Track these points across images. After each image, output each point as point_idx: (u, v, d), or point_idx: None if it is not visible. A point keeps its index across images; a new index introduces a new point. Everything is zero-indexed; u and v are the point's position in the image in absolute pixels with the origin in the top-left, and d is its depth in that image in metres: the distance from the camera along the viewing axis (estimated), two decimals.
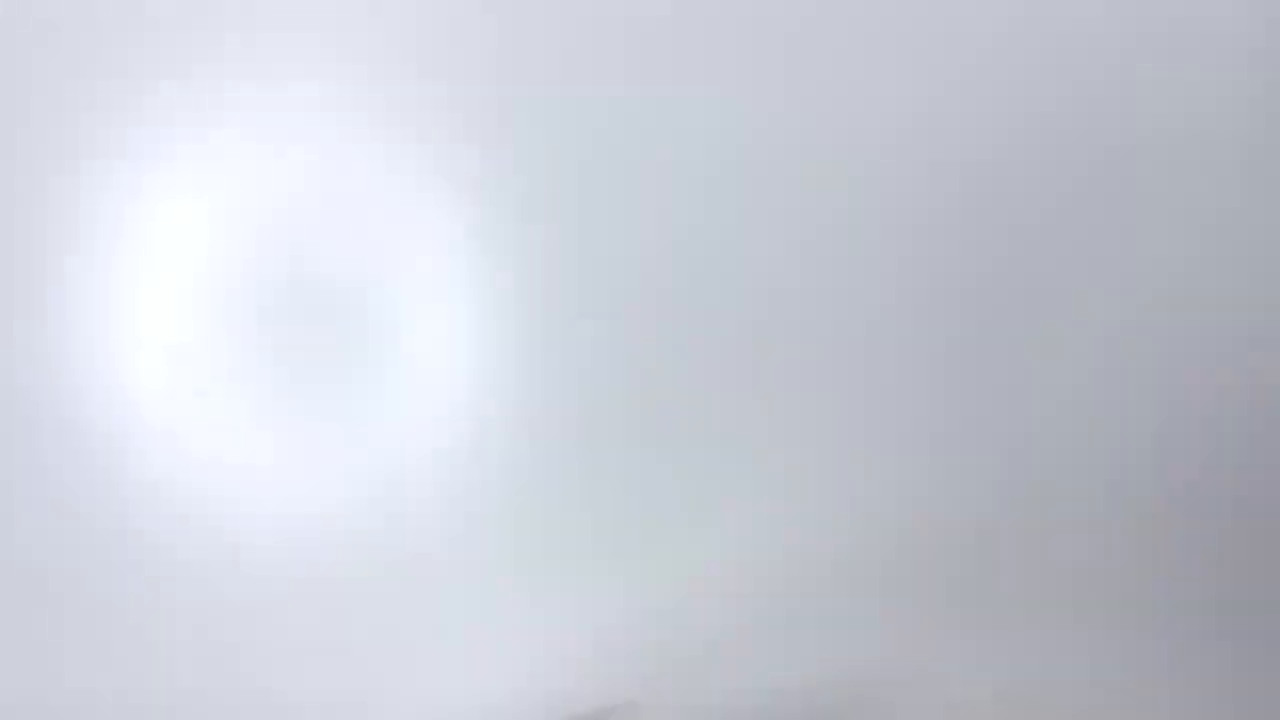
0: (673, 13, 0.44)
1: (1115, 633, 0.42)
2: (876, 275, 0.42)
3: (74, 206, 0.44)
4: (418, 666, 0.41)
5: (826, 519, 0.42)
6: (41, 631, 0.43)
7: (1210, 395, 0.43)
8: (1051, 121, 0.43)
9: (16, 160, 0.44)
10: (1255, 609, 0.42)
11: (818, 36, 0.43)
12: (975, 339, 0.43)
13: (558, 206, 0.42)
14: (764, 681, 0.42)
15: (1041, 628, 0.42)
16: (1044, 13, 0.44)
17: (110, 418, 0.44)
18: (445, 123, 0.44)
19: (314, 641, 0.37)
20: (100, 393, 0.44)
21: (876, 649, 0.42)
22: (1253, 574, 0.43)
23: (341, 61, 0.44)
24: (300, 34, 0.44)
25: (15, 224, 0.44)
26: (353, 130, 0.44)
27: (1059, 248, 0.43)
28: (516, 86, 0.42)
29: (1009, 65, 0.44)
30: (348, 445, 0.44)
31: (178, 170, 0.44)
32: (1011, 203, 0.43)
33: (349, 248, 0.44)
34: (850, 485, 0.42)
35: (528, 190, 0.42)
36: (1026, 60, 0.44)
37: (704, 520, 0.42)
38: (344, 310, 0.44)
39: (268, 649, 0.40)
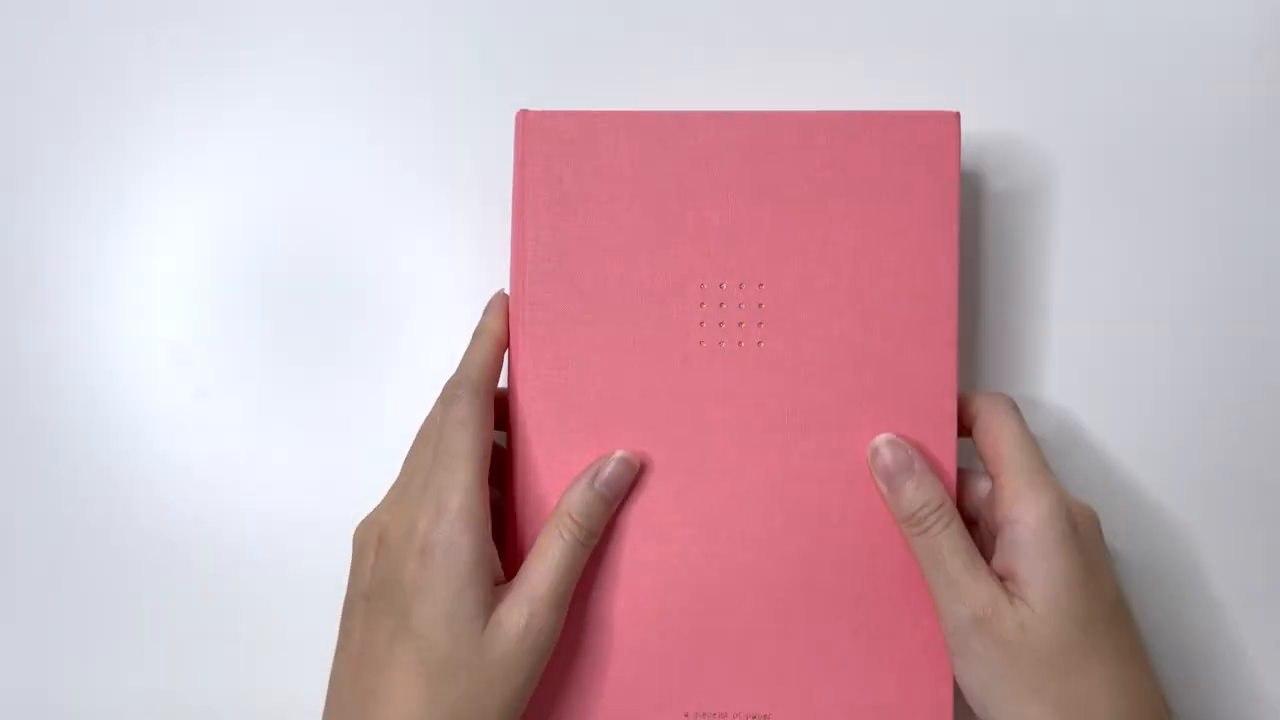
0: (671, 14, 0.44)
1: None
2: None
3: (76, 207, 0.44)
4: None
5: None
6: (42, 630, 0.43)
7: (1204, 394, 0.43)
8: (1050, 117, 0.43)
9: (18, 161, 0.44)
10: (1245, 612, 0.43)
11: (814, 34, 0.44)
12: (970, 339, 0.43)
13: None
14: None
15: None
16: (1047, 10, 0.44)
17: (112, 418, 0.44)
18: (449, 124, 0.44)
19: (314, 640, 0.37)
20: (102, 392, 0.44)
21: None
22: (1248, 576, 0.42)
23: (346, 65, 0.44)
24: (306, 38, 0.44)
25: (17, 224, 0.44)
26: (357, 133, 0.44)
27: (1052, 246, 0.43)
28: (522, 87, 0.42)
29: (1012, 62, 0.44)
30: (350, 445, 0.44)
31: (182, 172, 0.44)
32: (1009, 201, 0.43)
33: (352, 249, 0.44)
34: None
35: None
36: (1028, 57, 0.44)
37: None
38: (347, 311, 0.43)
39: (268, 647, 0.39)
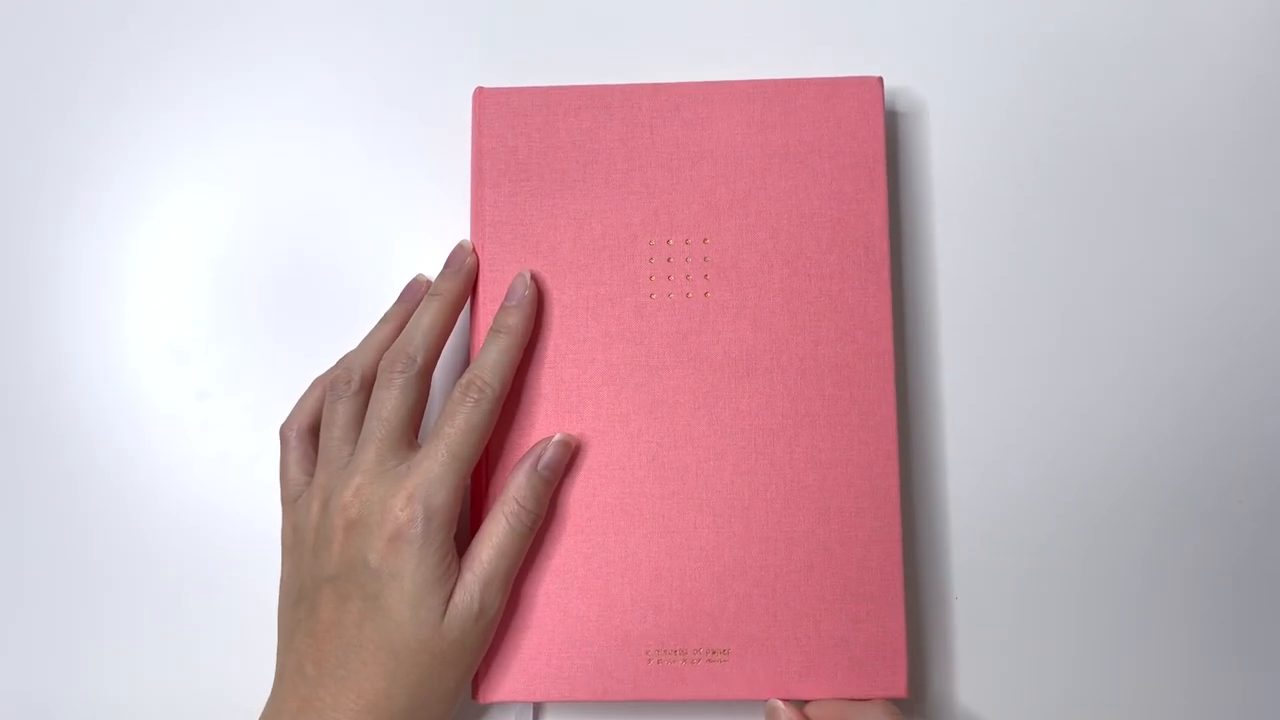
0: (668, 16, 0.45)
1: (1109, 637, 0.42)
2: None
3: (78, 208, 0.44)
4: None
5: None
6: (43, 628, 0.42)
7: (1208, 393, 0.43)
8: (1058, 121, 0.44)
9: (22, 163, 0.45)
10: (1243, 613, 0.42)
11: (798, 28, 0.45)
12: (979, 340, 0.43)
13: None
14: None
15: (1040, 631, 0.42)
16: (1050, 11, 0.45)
17: (113, 418, 0.43)
18: (448, 126, 0.44)
19: None
20: (103, 393, 0.44)
21: None
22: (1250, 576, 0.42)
23: (343, 66, 0.45)
24: (304, 40, 0.45)
25: (21, 225, 0.44)
26: (357, 133, 0.45)
27: (1061, 248, 0.44)
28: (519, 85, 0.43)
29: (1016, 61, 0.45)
30: None
31: (182, 173, 0.45)
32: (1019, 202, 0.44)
33: (352, 249, 0.44)
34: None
35: None
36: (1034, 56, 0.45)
37: None
38: (347, 311, 0.43)
39: (270, 647, 0.39)
